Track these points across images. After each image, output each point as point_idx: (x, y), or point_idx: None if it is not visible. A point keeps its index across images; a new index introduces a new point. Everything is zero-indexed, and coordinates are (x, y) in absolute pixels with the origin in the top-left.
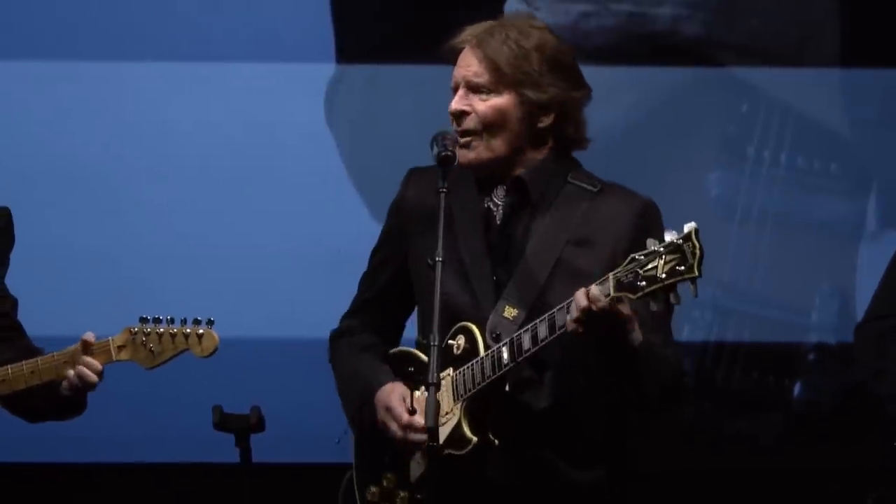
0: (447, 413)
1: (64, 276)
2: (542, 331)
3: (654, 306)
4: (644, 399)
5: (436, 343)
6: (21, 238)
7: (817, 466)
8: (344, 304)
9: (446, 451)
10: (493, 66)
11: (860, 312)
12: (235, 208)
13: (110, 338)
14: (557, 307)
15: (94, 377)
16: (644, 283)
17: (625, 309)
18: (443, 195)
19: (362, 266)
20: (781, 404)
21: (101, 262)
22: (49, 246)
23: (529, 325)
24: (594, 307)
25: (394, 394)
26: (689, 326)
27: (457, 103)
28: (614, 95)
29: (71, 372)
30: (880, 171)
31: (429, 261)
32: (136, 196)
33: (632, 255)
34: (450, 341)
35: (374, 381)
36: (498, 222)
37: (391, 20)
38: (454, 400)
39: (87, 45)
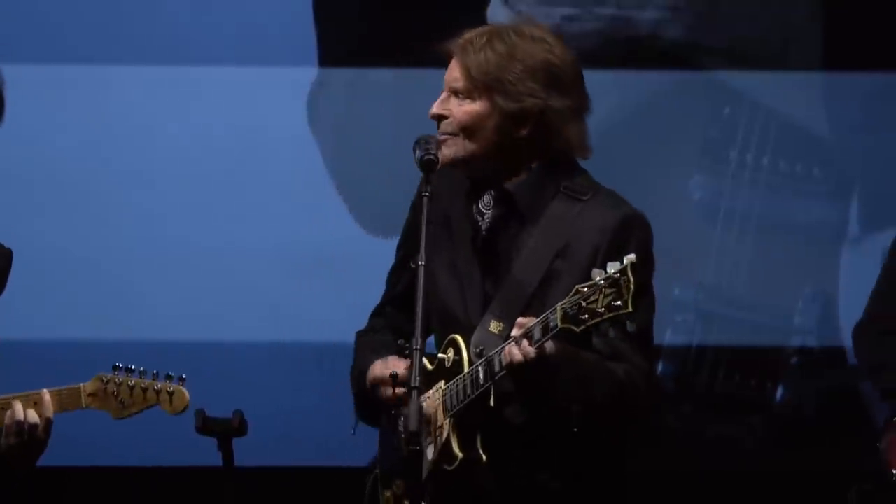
0: (439, 426)
1: (48, 279)
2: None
3: (595, 340)
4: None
5: (418, 347)
6: (6, 241)
7: (799, 469)
8: (327, 308)
9: (440, 467)
10: (468, 74)
11: (843, 316)
12: (219, 211)
13: (81, 384)
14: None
15: (39, 418)
16: (586, 316)
17: (550, 348)
18: (426, 199)
19: (345, 269)
20: (764, 407)
21: (85, 265)
22: (33, 249)
23: (501, 345)
24: (516, 360)
25: (376, 367)
26: (671, 330)
27: (436, 107)
28: (596, 99)
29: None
30: (862, 174)
31: (411, 264)
32: (120, 199)
33: (576, 287)
34: (441, 354)
35: (366, 369)
36: (483, 233)
37: (373, 24)
38: (444, 414)
39: (71, 49)
